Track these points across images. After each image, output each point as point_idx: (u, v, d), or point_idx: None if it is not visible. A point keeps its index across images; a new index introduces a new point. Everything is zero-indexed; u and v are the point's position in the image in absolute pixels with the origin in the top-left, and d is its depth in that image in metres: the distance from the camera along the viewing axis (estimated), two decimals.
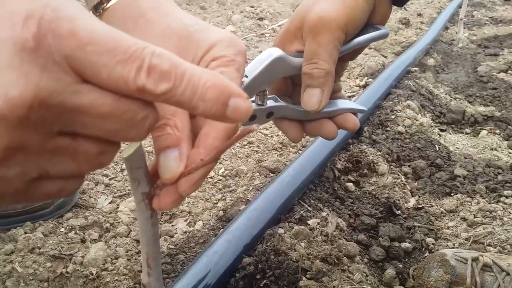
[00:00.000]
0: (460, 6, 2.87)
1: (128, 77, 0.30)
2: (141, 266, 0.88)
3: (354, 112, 0.67)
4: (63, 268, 0.94)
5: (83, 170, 0.34)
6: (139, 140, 0.36)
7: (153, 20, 0.48)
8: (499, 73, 2.25)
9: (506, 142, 1.58)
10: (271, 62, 0.55)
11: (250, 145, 1.45)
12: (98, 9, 0.50)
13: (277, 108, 0.60)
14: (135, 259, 0.97)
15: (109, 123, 0.31)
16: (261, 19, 2.94)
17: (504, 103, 1.94)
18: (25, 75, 0.27)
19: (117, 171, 1.29)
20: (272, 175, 1.28)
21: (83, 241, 1.02)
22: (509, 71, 2.26)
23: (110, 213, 1.12)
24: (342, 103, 0.67)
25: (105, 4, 0.49)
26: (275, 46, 0.62)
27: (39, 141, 0.30)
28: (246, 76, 0.55)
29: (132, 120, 0.32)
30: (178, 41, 0.47)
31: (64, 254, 0.97)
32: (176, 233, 1.06)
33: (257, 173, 1.29)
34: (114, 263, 0.96)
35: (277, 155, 1.39)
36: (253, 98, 0.57)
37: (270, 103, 0.59)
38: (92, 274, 0.93)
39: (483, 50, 2.65)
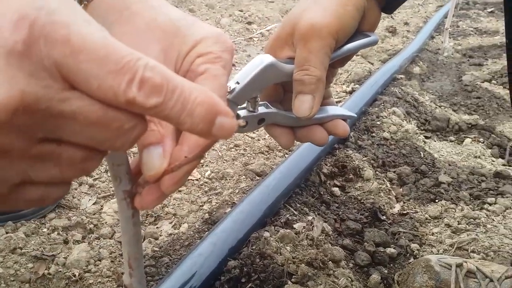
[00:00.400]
0: (445, 17, 2.91)
1: (118, 88, 0.29)
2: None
3: (344, 118, 0.67)
4: (45, 269, 0.92)
5: (67, 176, 0.33)
6: (125, 150, 0.35)
7: (139, 13, 0.47)
8: (483, 82, 2.29)
9: (490, 150, 1.60)
10: (263, 69, 0.55)
11: (237, 148, 1.44)
12: (83, 0, 0.49)
13: (268, 115, 0.60)
14: (119, 261, 0.96)
15: (96, 131, 0.31)
16: (249, 23, 2.95)
17: (487, 112, 1.97)
18: (11, 80, 0.26)
19: (101, 171, 1.27)
20: (258, 178, 1.28)
21: (66, 242, 1.00)
22: (493, 81, 2.30)
23: (94, 214, 1.10)
24: (332, 110, 0.67)
25: None
26: (266, 52, 0.62)
27: (22, 146, 0.29)
28: (238, 83, 0.54)
29: (119, 130, 0.31)
30: (163, 35, 0.46)
31: (47, 255, 0.95)
32: (161, 235, 1.05)
33: (244, 176, 1.28)
34: (97, 265, 0.94)
35: (264, 159, 1.39)
36: (244, 105, 0.57)
37: (261, 109, 0.59)
38: (74, 275, 0.91)
39: (468, 60, 2.69)
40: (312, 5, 0.59)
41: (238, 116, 0.56)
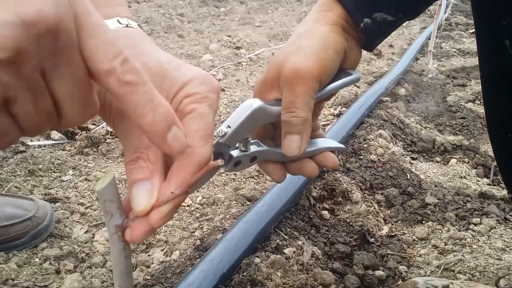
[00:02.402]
0: (429, 38, 2.99)
1: (106, 56, 0.35)
2: None
3: (333, 150, 0.71)
4: None
5: (34, 119, 0.36)
6: (75, 122, 0.39)
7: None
8: (467, 103, 2.34)
9: (475, 170, 1.63)
10: (252, 113, 0.59)
11: (227, 173, 1.46)
12: None
13: (260, 153, 0.63)
14: None
15: (71, 91, 0.36)
16: (238, 48, 3.00)
17: (472, 132, 2.02)
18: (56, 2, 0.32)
19: (93, 199, 1.28)
20: (249, 203, 1.30)
21: (58, 272, 1.01)
22: (476, 101, 2.36)
23: (86, 243, 1.11)
24: (322, 142, 0.70)
25: None
26: (254, 95, 0.66)
27: (33, 66, 0.33)
28: (229, 127, 0.58)
29: (84, 101, 0.37)
30: (153, 78, 0.49)
31: (39, 286, 0.95)
32: (152, 263, 1.06)
33: (234, 201, 1.30)
34: None
35: (254, 183, 1.41)
36: (237, 145, 0.61)
37: (253, 148, 0.62)
38: None
39: (452, 81, 2.75)
40: (295, 50, 0.62)
41: (230, 157, 0.60)
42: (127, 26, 0.53)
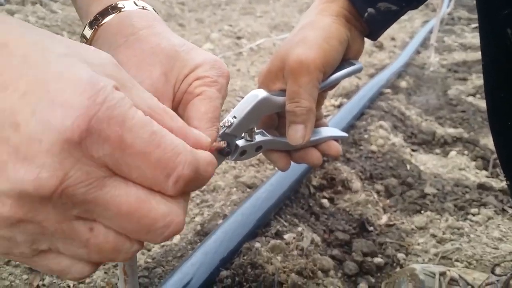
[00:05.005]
0: (431, 32, 2.98)
1: (155, 181, 0.32)
2: (118, 279, 0.89)
3: (336, 139, 0.72)
4: (40, 281, 0.94)
5: (93, 259, 0.34)
6: (156, 243, 0.36)
7: (144, 38, 0.51)
8: (467, 96, 2.35)
9: (474, 162, 1.64)
10: (257, 103, 0.60)
11: (228, 161, 1.47)
12: (93, 25, 0.53)
13: (265, 142, 0.65)
14: (112, 272, 0.98)
15: (126, 222, 0.32)
16: (239, 38, 2.99)
17: (472, 125, 2.02)
18: (59, 162, 0.29)
19: None
20: (249, 190, 1.31)
21: None
22: (477, 95, 2.36)
23: None
24: (325, 131, 0.72)
25: (100, 21, 0.52)
26: (259, 85, 0.67)
27: (55, 220, 0.31)
28: (235, 117, 0.59)
29: (150, 226, 0.33)
30: (165, 59, 0.50)
31: None
32: (153, 247, 1.07)
33: (235, 188, 1.31)
34: (91, 276, 0.96)
35: (254, 171, 1.42)
36: (242, 135, 0.62)
37: (258, 137, 0.64)
38: (69, 286, 0.93)
39: (453, 74, 2.76)
40: (299, 41, 0.63)
41: (236, 147, 0.61)
42: (143, 8, 0.54)
